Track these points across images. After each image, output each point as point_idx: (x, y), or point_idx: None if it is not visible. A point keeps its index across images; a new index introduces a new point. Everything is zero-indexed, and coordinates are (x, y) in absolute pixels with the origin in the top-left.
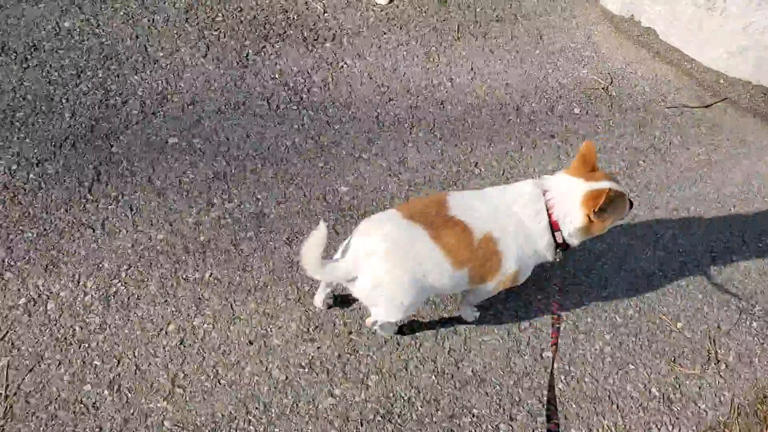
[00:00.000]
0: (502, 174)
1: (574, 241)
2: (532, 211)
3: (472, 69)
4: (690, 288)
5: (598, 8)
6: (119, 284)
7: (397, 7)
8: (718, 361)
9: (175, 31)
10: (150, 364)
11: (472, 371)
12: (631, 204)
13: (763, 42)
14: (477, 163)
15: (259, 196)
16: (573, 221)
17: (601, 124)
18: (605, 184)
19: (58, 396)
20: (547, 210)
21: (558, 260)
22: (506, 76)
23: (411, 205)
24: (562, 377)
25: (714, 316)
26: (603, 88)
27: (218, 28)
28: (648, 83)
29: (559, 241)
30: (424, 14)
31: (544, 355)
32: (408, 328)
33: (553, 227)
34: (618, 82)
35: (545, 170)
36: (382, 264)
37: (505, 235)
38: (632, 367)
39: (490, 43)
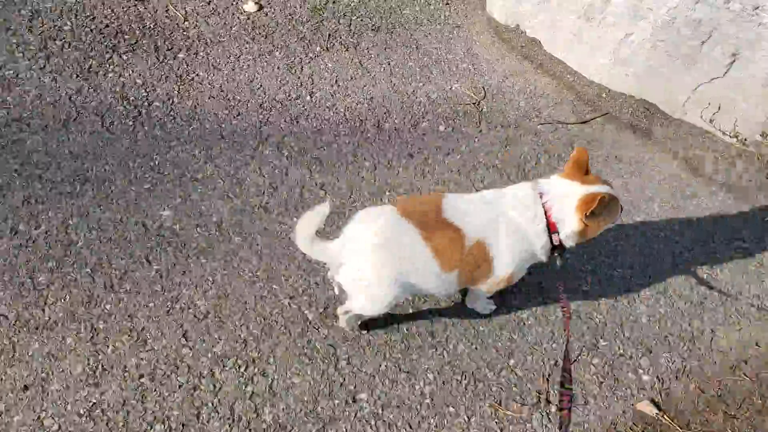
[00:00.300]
0: (349, 197)
1: (570, 243)
2: (530, 214)
3: (336, 82)
4: (529, 321)
5: (485, 17)
6: None
7: (266, 14)
8: (549, 403)
9: (14, 41)
10: None
11: (273, 418)
12: (621, 208)
13: (643, 54)
14: (323, 184)
15: (70, 222)
16: (569, 224)
17: (466, 142)
18: (600, 189)
19: None
20: (545, 212)
21: (558, 262)
22: (372, 89)
23: (408, 202)
24: (373, 421)
25: (553, 351)
26: (474, 104)
27: (64, 38)
28: (524, 98)
29: (556, 243)
30: (294, 22)
31: (357, 397)
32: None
33: (551, 229)
34: (492, 97)
35: (398, 192)
36: (369, 256)
37: (498, 242)
38: (452, 409)
39: (361, 54)
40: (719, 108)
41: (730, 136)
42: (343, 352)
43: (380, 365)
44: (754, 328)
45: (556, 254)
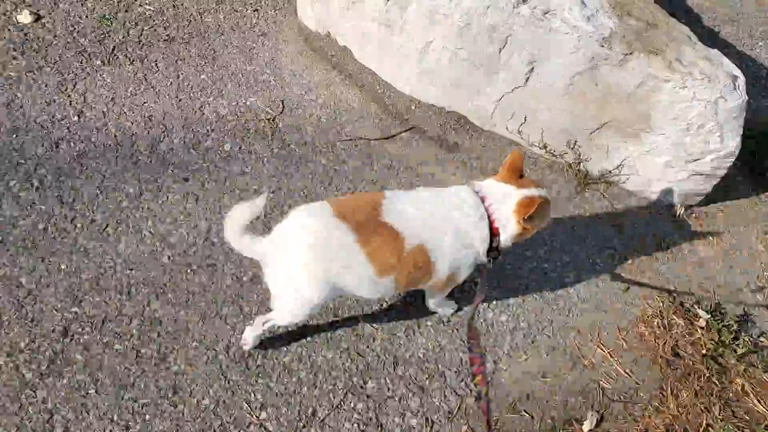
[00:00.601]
0: (103, 231)
1: (508, 244)
2: (475, 218)
3: (112, 99)
4: (292, 365)
5: (296, 25)
6: None
7: (44, 26)
8: None
9: None
10: None
11: None
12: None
13: (445, 62)
14: (75, 217)
15: None
16: (508, 227)
17: (253, 163)
18: (535, 192)
19: None
20: (489, 216)
21: (489, 265)
22: (153, 106)
23: (345, 201)
24: None
25: (313, 397)
26: (269, 119)
27: None
28: (327, 112)
29: (495, 245)
30: (75, 35)
31: None
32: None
33: (494, 232)
34: (291, 112)
35: (170, 221)
36: (300, 255)
37: (439, 246)
38: None
39: (148, 67)
40: (525, 119)
41: (539, 147)
42: (61, 417)
43: (104, 430)
44: (542, 357)
45: (491, 257)
